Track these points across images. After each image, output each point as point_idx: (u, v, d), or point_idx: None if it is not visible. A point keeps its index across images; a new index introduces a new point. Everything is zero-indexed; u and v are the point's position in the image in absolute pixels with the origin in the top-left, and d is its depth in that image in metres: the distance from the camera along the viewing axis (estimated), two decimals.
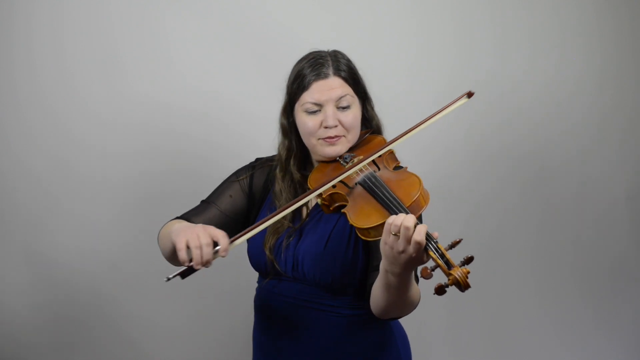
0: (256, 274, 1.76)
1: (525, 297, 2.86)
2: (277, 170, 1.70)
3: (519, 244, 2.84)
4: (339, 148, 1.62)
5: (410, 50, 2.65)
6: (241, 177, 1.74)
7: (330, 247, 1.58)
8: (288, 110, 1.68)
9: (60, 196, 2.37)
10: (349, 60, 1.66)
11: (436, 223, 1.31)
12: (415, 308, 1.49)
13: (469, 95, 1.60)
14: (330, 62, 1.62)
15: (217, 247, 1.39)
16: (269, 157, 1.79)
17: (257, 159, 1.80)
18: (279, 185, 1.68)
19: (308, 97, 1.60)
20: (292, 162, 1.69)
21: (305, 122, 1.62)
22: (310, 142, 1.64)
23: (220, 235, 1.40)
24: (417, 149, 2.51)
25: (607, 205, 2.94)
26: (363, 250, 1.59)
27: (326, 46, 1.71)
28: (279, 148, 1.72)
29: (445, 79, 2.65)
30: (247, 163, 1.80)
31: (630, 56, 2.92)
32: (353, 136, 1.64)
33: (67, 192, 2.38)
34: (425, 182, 1.44)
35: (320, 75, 1.60)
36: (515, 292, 2.84)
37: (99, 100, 2.37)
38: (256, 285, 1.76)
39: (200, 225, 1.43)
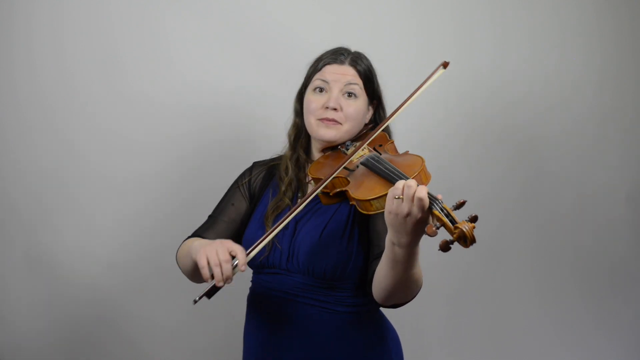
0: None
1: (525, 297, 2.85)
2: (287, 150, 1.75)
3: (519, 244, 2.84)
4: (333, 132, 1.65)
5: (410, 50, 2.65)
6: (241, 183, 1.77)
7: (325, 237, 1.59)
8: (301, 94, 1.73)
9: (60, 197, 2.37)
10: (370, 64, 1.73)
11: None
12: (417, 293, 1.47)
13: (445, 65, 1.65)
14: (350, 56, 1.69)
15: (236, 262, 1.42)
16: (266, 159, 1.81)
17: (255, 163, 1.83)
18: (285, 164, 1.72)
19: (318, 76, 1.67)
20: (300, 142, 1.74)
21: (310, 101, 1.67)
22: (309, 120, 1.67)
23: (238, 250, 1.43)
24: (414, 151, 2.51)
25: (607, 205, 2.93)
26: (359, 242, 1.60)
27: (326, 46, 1.72)
28: (289, 131, 1.77)
29: (445, 79, 2.64)
30: (247, 167, 1.82)
31: (630, 56, 2.91)
32: (350, 127, 1.66)
33: (66, 193, 2.37)
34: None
35: (335, 61, 1.68)
36: (515, 292, 2.84)
37: (99, 100, 2.37)
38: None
39: (218, 241, 1.46)
